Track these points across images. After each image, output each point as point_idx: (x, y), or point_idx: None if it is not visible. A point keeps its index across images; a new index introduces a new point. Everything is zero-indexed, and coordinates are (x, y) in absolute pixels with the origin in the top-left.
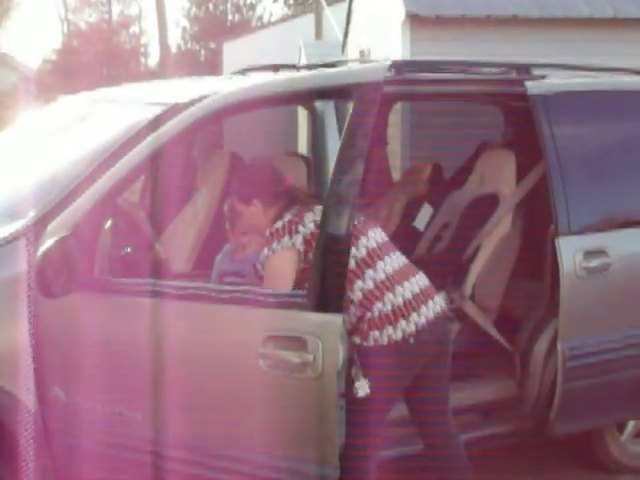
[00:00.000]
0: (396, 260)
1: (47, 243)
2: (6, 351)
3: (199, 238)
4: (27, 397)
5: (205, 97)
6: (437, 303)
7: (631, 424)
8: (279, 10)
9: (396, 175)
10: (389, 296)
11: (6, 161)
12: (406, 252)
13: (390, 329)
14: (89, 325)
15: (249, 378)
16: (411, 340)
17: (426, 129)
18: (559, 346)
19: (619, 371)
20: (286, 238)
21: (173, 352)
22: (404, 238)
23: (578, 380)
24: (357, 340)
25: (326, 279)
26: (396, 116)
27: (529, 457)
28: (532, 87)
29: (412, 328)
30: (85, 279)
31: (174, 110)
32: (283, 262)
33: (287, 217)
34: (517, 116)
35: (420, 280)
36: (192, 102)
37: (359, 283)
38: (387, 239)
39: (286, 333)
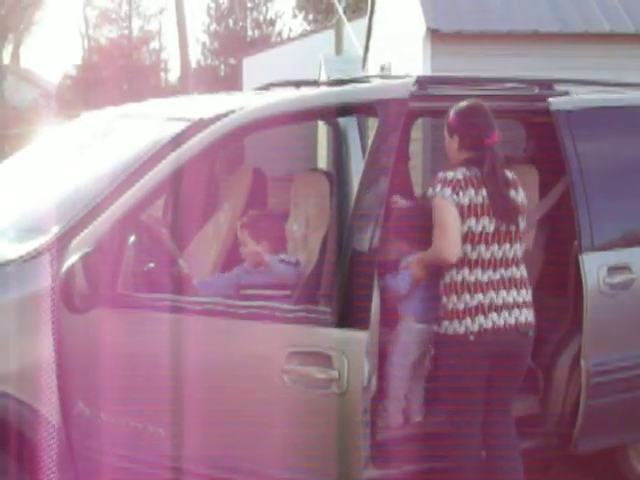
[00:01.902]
0: (497, 274)
1: (71, 259)
2: (29, 366)
3: (221, 253)
4: (50, 412)
5: (229, 113)
6: (514, 316)
7: None
8: (298, 26)
9: (417, 190)
10: (466, 297)
11: (30, 177)
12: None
13: (456, 323)
14: (113, 340)
15: (273, 394)
16: (471, 337)
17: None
18: (582, 363)
19: None
20: (448, 190)
21: (196, 368)
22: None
23: (602, 397)
24: (435, 327)
25: (350, 295)
26: (417, 131)
27: (551, 472)
28: (555, 103)
29: (475, 328)
30: (109, 294)
31: (198, 126)
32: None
33: (458, 173)
34: (540, 132)
35: (511, 296)
36: (216, 118)
37: (452, 273)
38: (512, 255)
39: (310, 349)
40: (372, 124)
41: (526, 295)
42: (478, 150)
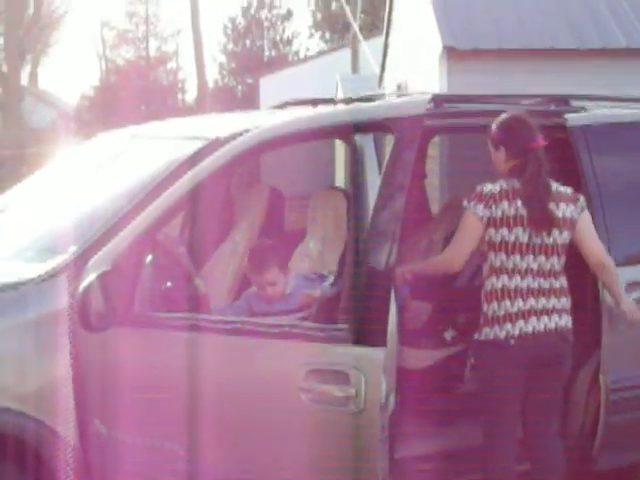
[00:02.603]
0: (536, 282)
1: (88, 278)
2: (47, 385)
3: (238, 272)
4: (66, 431)
5: (246, 131)
6: (553, 321)
7: None
8: (315, 45)
9: (434, 208)
10: (506, 303)
11: (47, 197)
12: (447, 283)
13: (497, 328)
14: (130, 359)
15: (291, 412)
16: (511, 341)
17: (464, 162)
18: (601, 379)
19: None
20: (480, 207)
21: (214, 386)
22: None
23: (622, 413)
24: (475, 335)
25: (367, 313)
26: (434, 149)
27: None
28: (571, 119)
29: (515, 332)
30: (125, 314)
31: (215, 145)
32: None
33: (496, 186)
34: (556, 147)
35: (550, 302)
36: (233, 136)
37: (493, 280)
38: (548, 267)
39: (328, 367)
40: (388, 141)
41: (566, 303)
42: (524, 156)
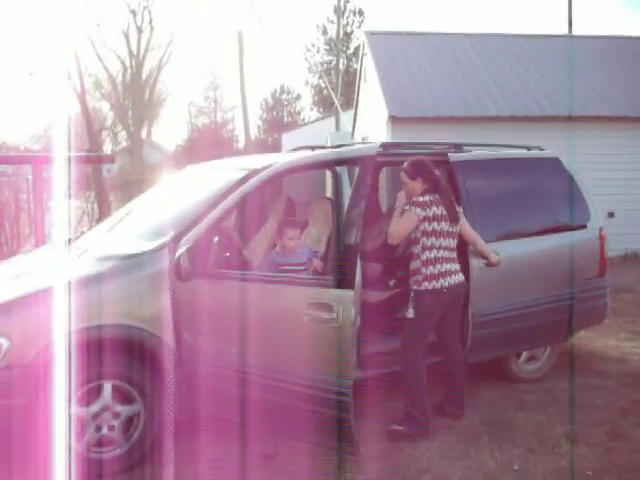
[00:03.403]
0: (448, 254)
1: (180, 250)
2: (157, 312)
3: (268, 247)
4: (169, 340)
5: (272, 164)
6: (460, 277)
7: (524, 354)
8: (314, 115)
9: (383, 208)
10: (437, 266)
11: (157, 203)
12: (389, 253)
13: (434, 282)
14: (205, 297)
15: (299, 327)
16: (444, 290)
17: (399, 182)
18: (470, 309)
19: (507, 324)
20: (419, 209)
21: (254, 312)
22: (389, 246)
23: (481, 330)
24: (414, 287)
25: (344, 270)
26: (383, 174)
27: None
28: (452, 156)
29: (445, 284)
30: (202, 271)
31: (254, 172)
32: (407, 218)
33: (426, 197)
34: (447, 174)
35: (454, 266)
36: (265, 167)
37: (427, 253)
38: (452, 245)
39: (321, 301)
40: (356, 170)
41: (459, 267)
42: (434, 182)
